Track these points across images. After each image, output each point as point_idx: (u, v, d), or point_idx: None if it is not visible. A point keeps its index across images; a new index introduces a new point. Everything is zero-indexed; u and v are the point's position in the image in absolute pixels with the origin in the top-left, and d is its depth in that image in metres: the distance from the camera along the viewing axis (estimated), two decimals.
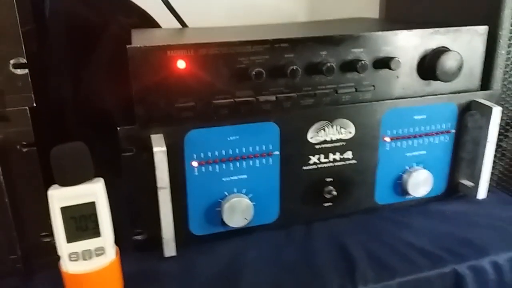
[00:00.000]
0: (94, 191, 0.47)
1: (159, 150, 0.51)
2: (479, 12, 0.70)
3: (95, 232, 0.48)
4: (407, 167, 0.67)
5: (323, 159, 0.62)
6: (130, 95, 0.53)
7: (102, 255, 0.48)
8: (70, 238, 0.47)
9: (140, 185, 0.55)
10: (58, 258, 0.48)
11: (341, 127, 0.61)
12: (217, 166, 0.57)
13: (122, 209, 0.55)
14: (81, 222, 0.47)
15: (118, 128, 0.52)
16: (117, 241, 0.50)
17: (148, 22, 0.77)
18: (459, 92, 0.66)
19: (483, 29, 0.65)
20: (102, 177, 0.48)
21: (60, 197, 0.46)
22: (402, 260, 0.57)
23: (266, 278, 0.54)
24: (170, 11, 0.73)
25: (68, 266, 0.47)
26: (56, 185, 0.46)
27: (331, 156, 0.63)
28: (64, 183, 0.46)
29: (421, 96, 0.64)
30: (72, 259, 0.47)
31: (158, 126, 0.53)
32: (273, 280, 0.54)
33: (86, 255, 0.48)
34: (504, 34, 0.68)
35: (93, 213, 0.47)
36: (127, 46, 0.50)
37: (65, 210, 0.46)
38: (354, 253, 0.58)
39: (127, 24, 0.71)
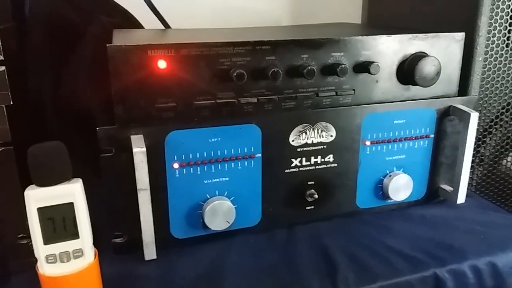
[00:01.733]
0: (72, 192, 0.46)
1: (139, 151, 0.51)
2: (457, 19, 0.71)
3: (73, 233, 0.47)
4: (387, 171, 0.68)
5: (304, 162, 0.62)
6: (110, 95, 0.52)
7: (80, 257, 0.47)
8: (47, 240, 0.46)
9: (119, 187, 0.54)
10: (35, 260, 0.47)
11: (322, 131, 0.62)
12: (198, 168, 0.57)
13: (101, 210, 0.54)
14: (59, 223, 0.46)
15: (98, 128, 0.52)
16: (96, 244, 0.49)
17: (131, 22, 0.77)
18: (437, 97, 0.68)
19: (460, 36, 0.66)
20: (81, 178, 0.47)
21: (37, 197, 0.45)
22: (383, 264, 0.57)
23: (247, 282, 0.54)
24: (153, 12, 0.73)
25: (45, 269, 0.46)
26: (33, 185, 0.45)
27: (313, 159, 0.63)
28: (42, 183, 0.45)
29: (400, 101, 0.65)
30: (49, 261, 0.46)
31: (138, 126, 0.53)
32: (255, 284, 0.53)
33: (64, 257, 0.47)
34: (481, 41, 0.70)
35: (71, 214, 0.46)
36: (107, 45, 0.50)
37: (42, 211, 0.45)
38: (335, 256, 0.58)
39: (109, 24, 0.71)
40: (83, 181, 0.47)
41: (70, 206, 0.46)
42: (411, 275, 0.55)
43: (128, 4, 0.79)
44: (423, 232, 0.65)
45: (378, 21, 0.94)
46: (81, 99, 0.67)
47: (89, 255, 0.48)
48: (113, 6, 0.76)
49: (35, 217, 0.45)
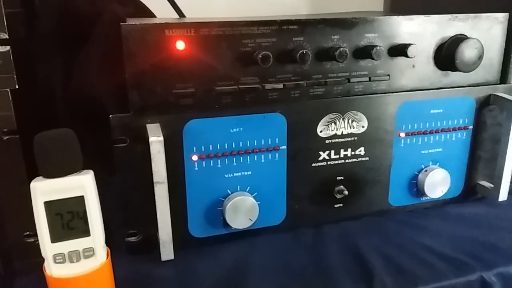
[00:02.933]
0: (83, 184, 0.42)
1: (156, 140, 0.46)
2: (495, 3, 0.66)
3: (83, 230, 0.42)
4: (422, 166, 0.63)
5: (333, 155, 0.57)
6: (124, 84, 0.48)
7: (91, 257, 0.43)
8: (55, 237, 0.42)
9: (134, 180, 0.50)
10: (42, 260, 0.43)
11: (353, 121, 0.57)
12: (218, 161, 0.52)
13: (114, 207, 0.50)
14: (68, 219, 0.42)
15: (111, 116, 0.47)
16: (109, 243, 0.45)
17: (144, 12, 0.73)
18: (477, 85, 0.62)
19: (503, 17, 0.61)
20: (94, 172, 0.43)
21: (44, 190, 0.40)
22: (423, 266, 0.52)
23: (273, 285, 0.49)
24: (168, 0, 0.69)
25: (52, 269, 0.42)
26: (40, 177, 0.41)
27: (342, 152, 0.58)
28: (49, 174, 0.41)
29: (438, 88, 0.60)
30: (57, 261, 0.42)
31: (154, 114, 0.48)
32: (280, 287, 0.48)
33: (73, 256, 0.42)
34: None
35: (82, 209, 0.42)
36: (121, 23, 0.45)
37: (49, 205, 0.41)
38: (369, 258, 0.53)
39: (122, 13, 0.67)
40: (95, 177, 0.43)
41: (80, 200, 0.42)
42: (455, 279, 0.50)
43: None
44: (464, 231, 0.59)
45: (402, 9, 0.89)
46: (93, 89, 0.63)
47: (101, 255, 0.43)
48: None
49: (42, 212, 0.41)
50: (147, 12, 0.75)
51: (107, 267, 0.44)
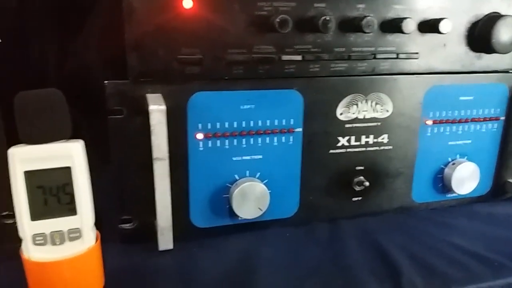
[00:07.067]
0: (70, 153, 0.36)
1: (157, 109, 0.40)
2: None
3: (69, 208, 0.37)
4: (449, 159, 0.57)
5: (353, 142, 0.52)
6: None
7: (77, 239, 0.37)
8: (36, 215, 0.36)
9: (130, 158, 0.44)
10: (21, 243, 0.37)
11: (376, 104, 0.51)
12: (226, 141, 0.47)
13: (108, 189, 0.44)
14: (51, 193, 0.36)
15: (106, 82, 0.41)
16: (100, 230, 0.39)
17: None
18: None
19: None
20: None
21: (24, 157, 0.35)
22: (455, 266, 0.46)
23: (284, 282, 0.43)
24: None
25: (31, 252, 0.36)
26: (21, 144, 0.35)
27: (364, 139, 0.52)
28: (30, 140, 0.35)
29: (469, 72, 0.54)
30: (37, 242, 0.36)
31: (155, 83, 0.43)
32: (294, 285, 0.42)
33: (56, 237, 0.36)
34: None
35: (68, 182, 0.36)
36: None
37: (30, 176, 0.35)
38: (394, 256, 0.47)
39: None
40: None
41: (66, 172, 0.36)
42: (493, 281, 0.44)
43: None
44: (496, 232, 0.53)
45: None
46: (90, 58, 0.57)
47: (89, 238, 0.37)
48: None
49: (21, 184, 0.35)
50: None
51: (95, 252, 0.38)
